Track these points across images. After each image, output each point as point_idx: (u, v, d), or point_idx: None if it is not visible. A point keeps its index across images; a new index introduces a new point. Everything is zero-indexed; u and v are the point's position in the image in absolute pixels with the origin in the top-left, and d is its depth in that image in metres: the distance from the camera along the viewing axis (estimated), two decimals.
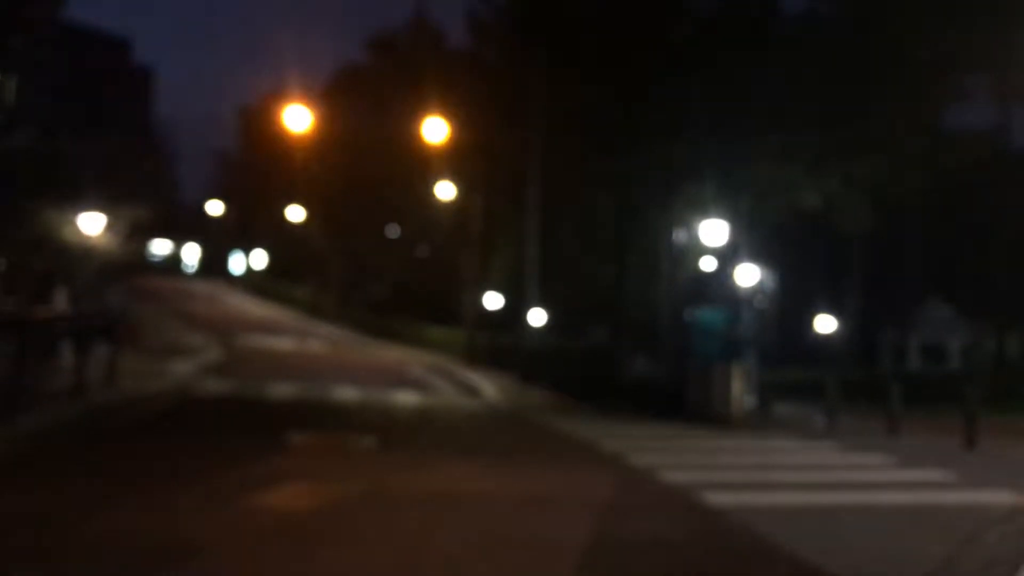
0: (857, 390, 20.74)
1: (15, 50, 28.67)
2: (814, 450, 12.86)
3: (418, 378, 25.00)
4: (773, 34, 25.51)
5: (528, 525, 6.86)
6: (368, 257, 48.00)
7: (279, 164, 48.84)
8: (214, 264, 72.63)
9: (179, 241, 78.25)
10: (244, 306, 53.48)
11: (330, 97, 43.34)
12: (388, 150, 40.50)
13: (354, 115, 44.86)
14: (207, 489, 7.53)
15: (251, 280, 64.45)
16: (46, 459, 8.72)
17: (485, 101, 29.39)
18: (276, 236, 57.81)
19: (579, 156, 27.23)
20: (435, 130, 25.92)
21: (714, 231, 20.91)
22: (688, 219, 24.16)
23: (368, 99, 44.26)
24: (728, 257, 21.74)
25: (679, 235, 25.22)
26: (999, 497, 8.86)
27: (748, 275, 21.66)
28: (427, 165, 33.33)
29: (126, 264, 45.16)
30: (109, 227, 28.13)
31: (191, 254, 79.15)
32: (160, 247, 77.46)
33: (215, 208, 68.39)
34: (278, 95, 52.47)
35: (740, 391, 17.41)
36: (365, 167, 42.27)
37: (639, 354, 22.83)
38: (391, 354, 33.84)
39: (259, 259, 63.42)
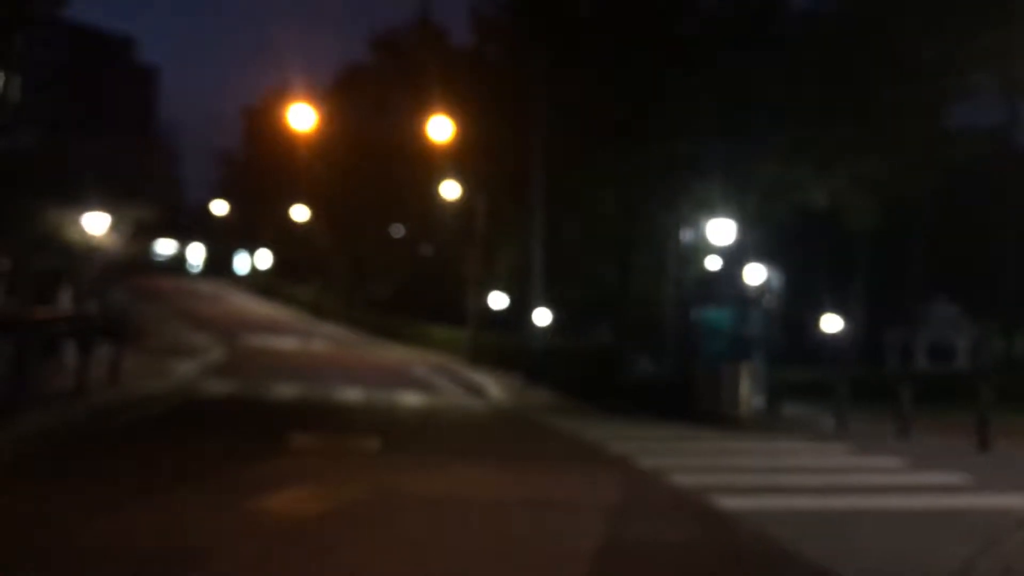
0: (864, 390, 20.54)
1: (19, 49, 28.62)
2: (824, 452, 12.71)
3: (422, 378, 24.90)
4: (779, 32, 25.36)
5: (536, 529, 6.74)
6: (372, 257, 47.93)
7: (283, 164, 48.83)
8: (218, 264, 72.67)
9: (183, 241, 78.33)
10: (248, 306, 53.45)
11: (334, 96, 43.28)
12: (392, 149, 40.45)
13: (358, 114, 44.81)
14: (210, 491, 7.44)
15: (255, 280, 64.47)
16: (47, 460, 8.63)
17: (489, 100, 29.25)
18: (280, 236, 57.79)
19: (584, 155, 27.08)
20: (440, 128, 25.80)
21: (721, 230, 20.77)
22: (694, 218, 24.03)
23: (371, 98, 44.20)
24: (735, 256, 21.60)
25: (685, 234, 25.09)
26: (1016, 501, 8.72)
27: (755, 274, 21.52)
28: (431, 164, 33.22)
29: (130, 264, 45.24)
30: (113, 227, 28.13)
31: (195, 254, 79.21)
32: (164, 247, 77.55)
33: (219, 208, 68.40)
34: (282, 95, 52.53)
35: (748, 391, 17.26)
36: (369, 166, 42.21)
37: (645, 354, 22.68)
38: (395, 354, 33.76)
39: (263, 259, 63.43)
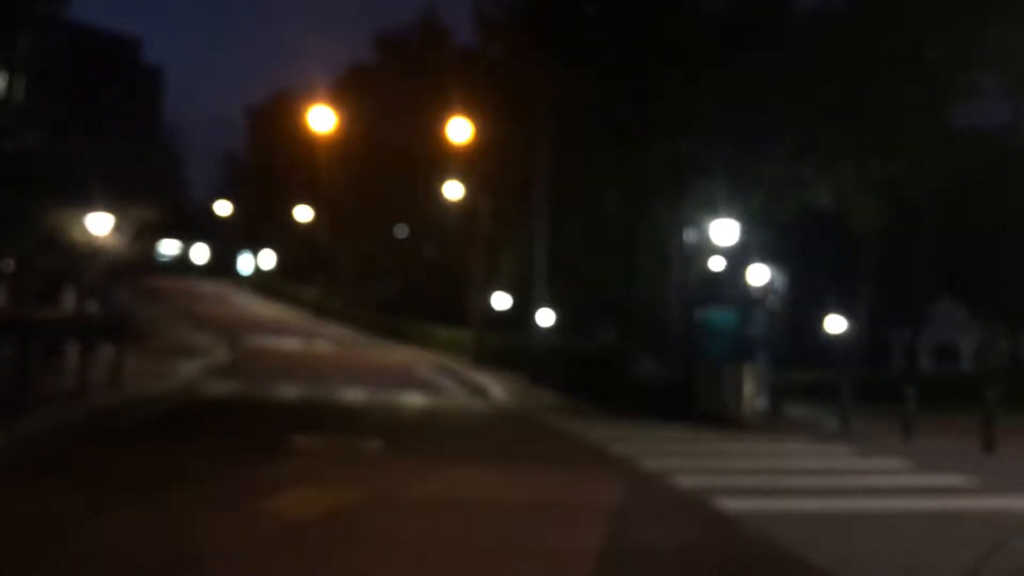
0: (868, 391, 20.47)
1: (23, 50, 28.68)
2: (828, 454, 12.65)
3: (426, 379, 24.88)
4: (784, 32, 25.26)
5: (538, 532, 6.70)
6: (376, 257, 47.93)
7: (287, 164, 48.88)
8: (222, 264, 72.70)
9: (187, 241, 78.41)
10: (251, 306, 53.49)
11: (338, 97, 43.25)
12: (396, 149, 40.45)
13: (362, 115, 44.79)
14: (211, 493, 7.41)
15: (259, 280, 64.51)
16: (48, 461, 8.61)
17: (493, 100, 29.21)
18: (284, 236, 57.84)
19: (588, 155, 27.03)
20: (452, 129, 25.79)
21: (724, 230, 20.69)
22: (698, 218, 23.92)
23: (376, 99, 44.17)
24: (739, 257, 21.51)
25: (689, 235, 24.99)
26: (1021, 503, 8.66)
27: (759, 275, 21.43)
28: (435, 164, 33.19)
29: (133, 264, 45.28)
30: (117, 227, 28.12)
31: (199, 254, 79.29)
32: (168, 247, 77.66)
33: (223, 208, 68.48)
34: (286, 95, 52.63)
35: (751, 392, 17.21)
36: (373, 167, 42.21)
37: (648, 355, 22.61)
38: (398, 354, 33.74)
39: (267, 259, 63.48)
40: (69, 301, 25.15)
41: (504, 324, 32.07)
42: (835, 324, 30.62)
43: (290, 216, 50.45)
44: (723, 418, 16.59)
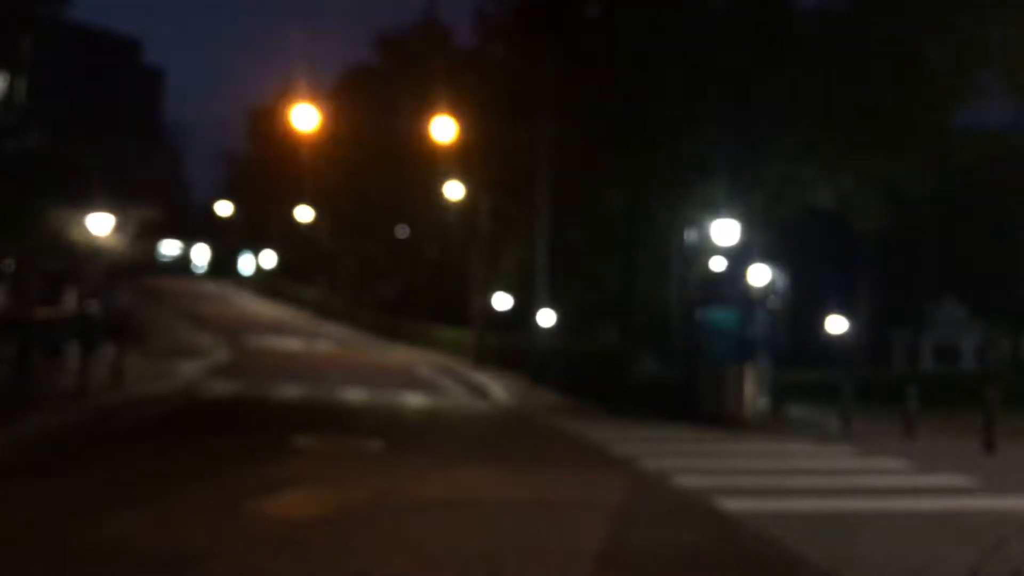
0: (870, 391, 20.45)
1: (24, 51, 28.66)
2: (830, 454, 12.63)
3: (427, 379, 24.88)
4: (786, 32, 25.24)
5: (540, 532, 6.69)
6: (377, 257, 47.92)
7: (288, 164, 48.84)
8: (223, 264, 72.73)
9: (188, 242, 78.44)
10: (253, 307, 53.51)
11: (339, 97, 43.29)
12: (397, 150, 40.41)
13: (363, 115, 44.80)
14: (211, 492, 7.41)
15: (260, 280, 64.53)
16: (48, 461, 8.61)
17: (494, 100, 29.22)
18: (285, 236, 57.82)
19: (589, 155, 27.02)
20: (444, 129, 25.73)
21: (726, 230, 20.65)
22: (699, 218, 23.90)
23: (376, 99, 44.18)
24: (740, 257, 21.47)
25: (690, 235, 24.97)
26: (1022, 504, 8.64)
27: (760, 275, 21.39)
28: (436, 165, 33.17)
29: (135, 265, 45.25)
30: (118, 228, 28.07)
31: (200, 254, 79.32)
32: (169, 248, 77.68)
33: (224, 208, 68.49)
34: (287, 95, 52.58)
35: (753, 393, 17.19)
36: (374, 167, 42.19)
37: (649, 355, 22.58)
38: (400, 355, 33.74)
39: (268, 259, 63.49)
40: (70, 302, 25.17)
41: (505, 324, 32.06)
42: (836, 324, 30.60)
43: (291, 216, 50.44)
44: (724, 418, 16.57)
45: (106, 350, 14.95)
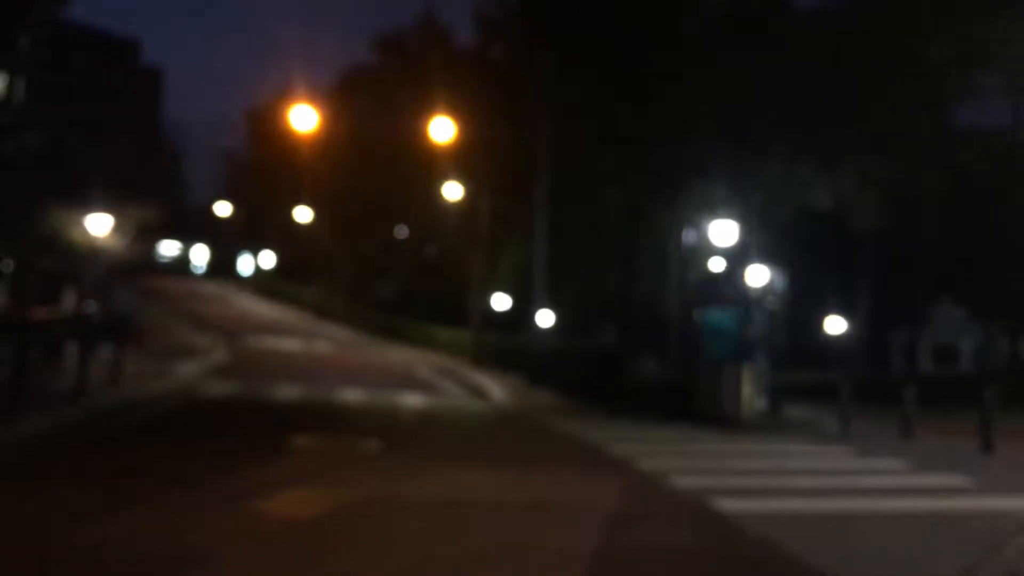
0: (868, 391, 20.49)
1: (23, 51, 28.67)
2: (827, 454, 12.65)
3: (425, 379, 24.88)
4: (784, 32, 25.27)
5: (536, 532, 6.70)
6: (376, 258, 47.93)
7: (287, 165, 48.84)
8: (222, 265, 72.74)
9: (187, 242, 78.42)
10: (251, 307, 53.51)
11: (337, 97, 43.30)
12: (396, 150, 40.42)
13: (362, 115, 44.83)
14: (209, 492, 7.40)
15: (259, 281, 64.54)
16: (47, 462, 8.61)
17: (492, 100, 29.26)
18: (284, 237, 57.83)
19: (588, 155, 27.05)
20: (442, 129, 25.76)
21: (724, 231, 20.68)
22: (697, 219, 23.96)
23: (375, 99, 44.21)
24: (738, 257, 21.50)
25: (688, 235, 25.02)
26: (1020, 504, 8.66)
27: (758, 275, 21.41)
28: (435, 165, 33.20)
29: (133, 265, 45.26)
30: (117, 228, 28.12)
31: (199, 255, 79.31)
32: (168, 248, 77.67)
33: (223, 209, 68.48)
34: (285, 95, 52.56)
35: (750, 393, 17.21)
36: (373, 167, 42.21)
37: (648, 355, 22.63)
38: (398, 355, 33.74)
39: (267, 260, 63.50)
40: (69, 302, 25.15)
41: (504, 324, 32.09)
42: (835, 325, 30.64)
43: (290, 216, 50.46)
44: (722, 418, 16.58)
45: (104, 350, 14.94)
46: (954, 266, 34.81)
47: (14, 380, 10.23)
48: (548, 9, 27.44)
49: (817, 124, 24.44)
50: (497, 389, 22.41)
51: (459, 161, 30.81)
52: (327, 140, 39.38)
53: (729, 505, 7.95)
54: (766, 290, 21.18)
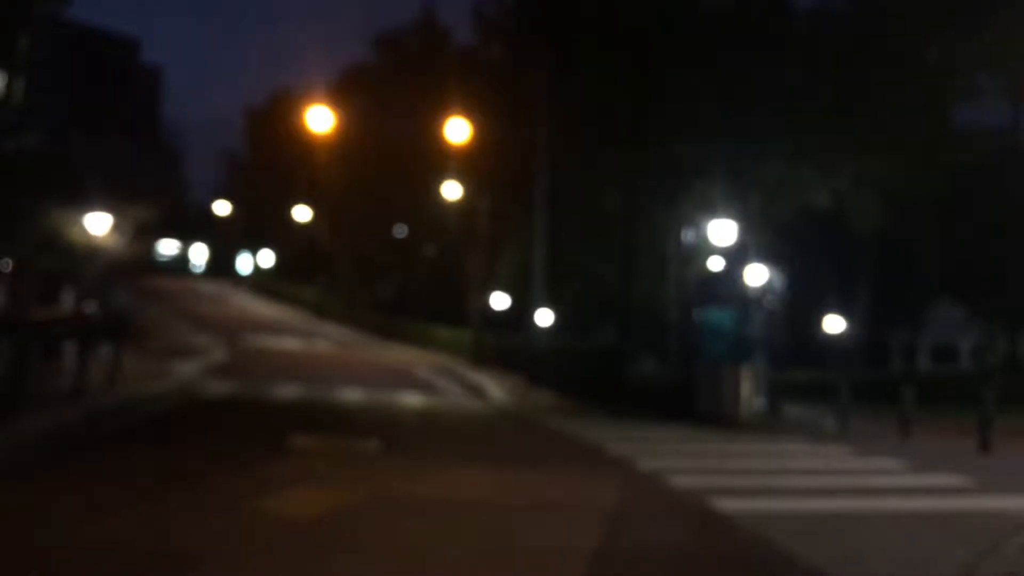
0: (866, 391, 20.51)
1: (23, 50, 28.67)
2: (826, 454, 12.66)
3: (424, 379, 24.89)
4: (783, 32, 25.26)
5: (535, 533, 6.71)
6: (375, 257, 47.95)
7: (286, 164, 48.87)
8: (221, 264, 72.72)
9: (186, 241, 78.41)
10: (251, 306, 53.48)
11: (337, 96, 43.25)
12: (395, 149, 40.46)
13: (361, 114, 44.82)
14: (208, 493, 7.41)
15: (258, 280, 64.54)
16: (46, 461, 8.61)
17: (492, 100, 29.25)
18: (283, 236, 57.86)
19: (587, 155, 27.05)
20: (457, 130, 25.79)
21: (723, 231, 20.70)
22: (696, 218, 23.95)
23: (375, 99, 44.20)
24: (737, 257, 21.51)
25: (687, 235, 25.01)
26: (1018, 504, 8.67)
27: (757, 275, 21.43)
28: (434, 164, 33.21)
29: (133, 264, 45.29)
30: (116, 227, 28.15)
31: (198, 254, 79.29)
32: (167, 247, 77.66)
33: (222, 208, 68.49)
34: (285, 95, 52.63)
35: (749, 393, 17.23)
36: (372, 167, 42.22)
37: (647, 355, 22.63)
38: (397, 355, 33.75)
39: (266, 259, 63.50)
40: (68, 301, 25.14)
41: (503, 324, 32.11)
42: (833, 324, 30.66)
43: (289, 216, 50.49)
44: (721, 418, 16.60)
45: (104, 350, 14.95)
46: (953, 266, 34.86)
47: (13, 380, 10.23)
48: (548, 9, 27.43)
49: (817, 124, 24.44)
50: (496, 389, 22.42)
51: (459, 160, 30.83)
52: (327, 139, 39.38)
53: (728, 505, 7.96)
54: (765, 290, 21.20)
